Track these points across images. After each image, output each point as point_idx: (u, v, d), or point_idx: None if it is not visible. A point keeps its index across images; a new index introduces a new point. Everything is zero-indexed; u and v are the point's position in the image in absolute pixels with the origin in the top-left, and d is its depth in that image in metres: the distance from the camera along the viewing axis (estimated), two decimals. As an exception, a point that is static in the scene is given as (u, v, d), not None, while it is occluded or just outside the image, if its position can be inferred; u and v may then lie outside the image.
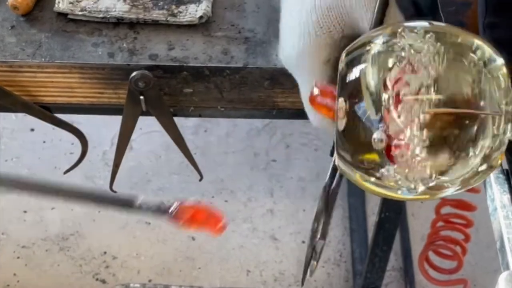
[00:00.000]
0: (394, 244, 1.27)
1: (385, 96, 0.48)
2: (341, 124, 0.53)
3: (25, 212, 1.65)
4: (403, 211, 1.55)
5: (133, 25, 0.87)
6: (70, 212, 1.64)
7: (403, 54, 0.48)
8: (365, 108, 0.50)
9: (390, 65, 0.48)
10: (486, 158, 0.48)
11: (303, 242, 1.60)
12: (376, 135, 0.49)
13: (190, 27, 0.87)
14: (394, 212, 1.15)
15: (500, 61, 0.47)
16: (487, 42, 0.48)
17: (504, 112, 0.46)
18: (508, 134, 0.48)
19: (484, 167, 0.49)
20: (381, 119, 0.49)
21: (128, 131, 0.89)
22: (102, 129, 1.68)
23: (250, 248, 1.61)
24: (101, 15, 0.87)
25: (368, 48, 0.52)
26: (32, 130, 1.75)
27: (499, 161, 0.49)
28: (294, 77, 0.68)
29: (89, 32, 0.87)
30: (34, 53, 0.85)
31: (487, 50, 0.47)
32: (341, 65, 0.55)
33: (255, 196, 1.69)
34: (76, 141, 0.94)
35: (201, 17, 0.87)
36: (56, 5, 0.88)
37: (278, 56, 0.69)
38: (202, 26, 0.87)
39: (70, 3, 0.87)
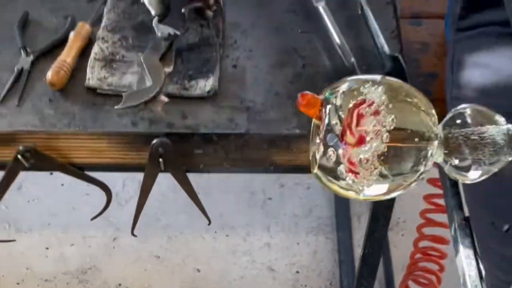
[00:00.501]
0: (378, 273, 1.38)
1: (345, 126, 0.60)
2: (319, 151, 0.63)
3: (47, 248, 1.73)
4: (385, 243, 1.66)
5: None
6: (88, 248, 1.72)
7: (361, 96, 0.59)
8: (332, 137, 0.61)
9: (350, 104, 0.60)
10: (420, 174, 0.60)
11: (297, 272, 1.71)
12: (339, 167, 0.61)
13: (200, 99, 0.98)
14: (376, 247, 1.25)
15: (430, 106, 0.59)
16: (422, 93, 0.61)
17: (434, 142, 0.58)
18: (437, 158, 0.60)
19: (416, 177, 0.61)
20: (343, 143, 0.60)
21: (148, 187, 1.00)
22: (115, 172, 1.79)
23: (250, 279, 1.69)
24: (125, 89, 0.98)
25: (336, 93, 0.61)
26: (51, 173, 1.85)
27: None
28: None
29: (115, 105, 0.98)
30: (69, 123, 0.96)
31: (423, 97, 0.59)
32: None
33: (253, 231, 1.76)
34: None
35: (209, 91, 0.98)
36: (86, 81, 0.99)
37: None
38: (211, 98, 0.99)
39: (99, 79, 0.99)
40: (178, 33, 1.02)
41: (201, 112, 0.98)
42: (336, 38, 1.05)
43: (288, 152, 0.99)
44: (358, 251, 1.64)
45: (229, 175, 1.77)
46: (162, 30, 1.02)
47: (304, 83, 1.02)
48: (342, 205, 1.76)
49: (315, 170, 0.60)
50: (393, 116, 0.57)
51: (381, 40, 1.03)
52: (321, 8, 1.09)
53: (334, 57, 1.04)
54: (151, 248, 1.73)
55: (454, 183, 1.03)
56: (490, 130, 0.57)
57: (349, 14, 1.11)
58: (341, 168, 0.60)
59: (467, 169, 0.58)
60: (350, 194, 0.60)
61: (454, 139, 0.57)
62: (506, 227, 0.79)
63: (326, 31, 1.07)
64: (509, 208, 0.80)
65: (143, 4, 1.07)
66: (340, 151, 0.59)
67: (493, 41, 0.85)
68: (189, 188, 1.02)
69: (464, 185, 0.92)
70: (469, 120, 0.58)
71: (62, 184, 1.82)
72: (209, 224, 1.08)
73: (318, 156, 0.60)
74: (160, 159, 0.96)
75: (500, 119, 0.58)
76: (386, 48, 1.02)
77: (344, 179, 0.59)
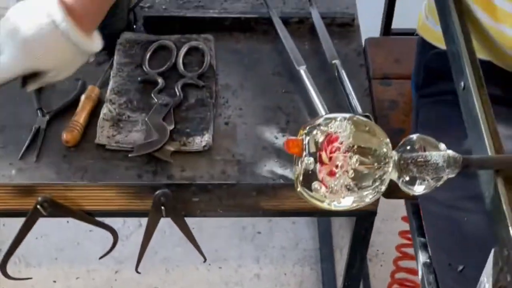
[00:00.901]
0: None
1: (319, 152, 0.72)
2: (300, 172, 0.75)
3: (54, 282, 1.80)
4: (365, 273, 1.75)
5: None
6: (92, 280, 1.80)
7: (333, 130, 0.72)
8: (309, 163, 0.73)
9: (321, 138, 0.72)
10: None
11: (286, 301, 1.80)
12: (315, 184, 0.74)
13: (197, 153, 1.08)
14: (355, 280, 1.36)
15: (385, 136, 0.72)
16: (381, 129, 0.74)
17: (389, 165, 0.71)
18: (392, 175, 0.72)
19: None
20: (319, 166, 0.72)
21: (151, 231, 1.10)
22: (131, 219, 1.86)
23: (242, 308, 1.77)
24: (130, 146, 1.09)
25: (315, 129, 0.74)
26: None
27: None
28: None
29: (122, 159, 1.07)
30: (82, 176, 1.06)
31: (379, 130, 0.72)
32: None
33: (244, 263, 1.82)
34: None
35: (205, 146, 1.08)
36: (97, 139, 1.08)
37: None
38: (206, 152, 1.08)
39: (107, 137, 1.09)
40: (173, 101, 1.13)
41: (197, 165, 1.08)
42: (315, 97, 1.16)
43: (275, 199, 1.09)
44: (340, 281, 1.72)
45: (201, 219, 1.85)
46: (161, 99, 1.13)
47: (288, 137, 1.12)
48: (325, 239, 1.86)
49: (299, 188, 0.73)
50: (355, 137, 0.70)
51: (355, 100, 1.14)
52: (302, 71, 1.20)
53: (314, 114, 1.15)
54: (150, 280, 1.80)
55: (420, 225, 1.14)
56: (433, 155, 0.69)
57: (327, 77, 1.21)
58: (317, 186, 0.73)
59: (414, 184, 0.71)
60: (324, 206, 0.73)
61: (404, 161, 0.70)
62: (460, 267, 0.90)
63: (306, 91, 1.18)
64: (462, 251, 0.91)
65: (145, 68, 1.19)
66: (318, 173, 0.72)
67: (449, 108, 0.97)
68: (187, 230, 1.12)
69: (427, 229, 1.03)
70: (416, 147, 0.70)
71: (67, 221, 1.89)
72: (204, 261, 1.18)
73: (301, 178, 0.73)
74: (162, 207, 1.06)
75: (441, 146, 0.70)
76: (359, 108, 1.13)
77: (320, 193, 0.72)
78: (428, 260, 1.07)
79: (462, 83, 0.82)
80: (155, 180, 1.06)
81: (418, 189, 0.71)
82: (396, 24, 1.48)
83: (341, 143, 0.71)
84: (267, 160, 1.09)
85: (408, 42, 1.33)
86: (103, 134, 1.09)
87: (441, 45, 1.01)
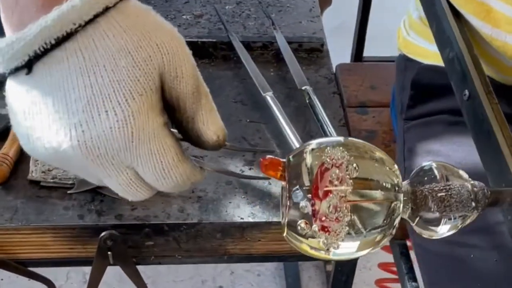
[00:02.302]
0: None
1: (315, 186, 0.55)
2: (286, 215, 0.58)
3: None
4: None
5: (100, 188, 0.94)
6: None
7: (327, 158, 0.55)
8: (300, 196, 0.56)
9: (316, 165, 0.55)
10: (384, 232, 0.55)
11: None
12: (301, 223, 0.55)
13: (150, 189, 0.93)
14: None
15: (392, 162, 0.55)
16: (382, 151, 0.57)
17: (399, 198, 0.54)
18: (404, 213, 0.56)
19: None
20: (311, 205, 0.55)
21: (96, 282, 0.93)
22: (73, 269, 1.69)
23: None
24: (70, 182, 0.92)
25: (303, 155, 0.56)
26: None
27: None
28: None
29: (60, 197, 0.91)
30: (11, 218, 0.89)
31: (384, 155, 0.55)
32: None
33: None
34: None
35: (159, 181, 0.93)
36: (30, 174, 0.92)
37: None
38: (161, 188, 0.94)
39: (43, 172, 0.93)
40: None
41: (150, 202, 0.92)
42: (285, 126, 1.02)
43: (242, 241, 0.94)
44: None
45: (178, 264, 1.70)
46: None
47: (256, 171, 0.98)
48: (293, 292, 1.70)
49: (285, 233, 0.56)
50: (355, 164, 0.53)
51: (330, 128, 1.01)
52: (269, 97, 1.06)
53: (284, 144, 1.01)
54: None
55: (410, 268, 0.98)
56: (456, 185, 0.53)
57: (297, 104, 1.09)
58: (314, 228, 0.55)
59: (434, 224, 0.55)
60: (320, 254, 0.55)
61: (420, 194, 0.54)
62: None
63: (274, 120, 1.04)
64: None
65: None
66: (309, 209, 0.54)
67: (442, 129, 0.84)
68: (139, 280, 0.95)
69: (424, 272, 0.87)
70: (436, 175, 0.54)
71: (2, 279, 1.71)
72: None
73: (285, 220, 0.55)
74: (109, 252, 0.89)
75: (464, 175, 0.55)
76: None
77: (315, 237, 0.54)
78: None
79: (466, 92, 0.69)
80: (100, 221, 0.89)
81: (442, 230, 0.55)
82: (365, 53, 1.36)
83: (336, 165, 0.54)
84: (232, 196, 0.94)
85: (383, 68, 1.21)
86: (37, 168, 0.93)
87: (426, 60, 0.88)
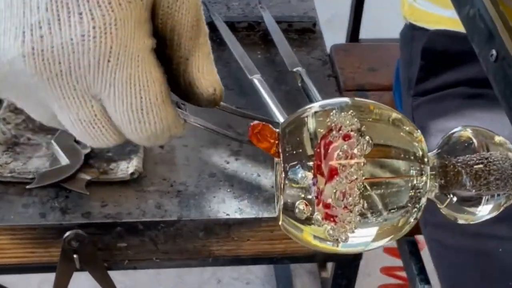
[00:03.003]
0: None
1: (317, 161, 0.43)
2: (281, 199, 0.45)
3: None
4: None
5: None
6: None
7: (332, 126, 0.43)
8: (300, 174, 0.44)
9: (320, 132, 0.43)
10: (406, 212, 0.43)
11: None
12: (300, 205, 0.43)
13: (122, 183, 0.82)
14: None
15: (415, 128, 0.44)
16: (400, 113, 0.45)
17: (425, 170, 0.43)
18: (430, 191, 0.44)
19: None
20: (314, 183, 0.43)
21: (61, 290, 0.81)
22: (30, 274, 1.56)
23: None
24: (30, 176, 0.81)
25: (305, 120, 0.44)
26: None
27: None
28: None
29: (19, 193, 0.80)
30: (-38, 218, 0.78)
31: (403, 117, 0.44)
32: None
33: None
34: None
35: (132, 173, 0.82)
36: (-16, 168, 0.81)
37: None
38: (134, 181, 0.82)
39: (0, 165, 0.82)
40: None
41: (123, 198, 0.81)
42: (275, 111, 0.91)
43: (228, 241, 0.82)
44: None
45: (158, 269, 1.58)
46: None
47: (243, 162, 0.87)
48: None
49: (280, 221, 0.43)
50: (367, 137, 0.41)
51: (326, 111, 0.90)
52: (256, 80, 0.95)
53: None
54: None
55: (421, 269, 0.87)
56: (497, 156, 0.42)
57: (288, 88, 0.99)
58: (316, 216, 0.43)
59: (472, 204, 0.43)
60: (326, 246, 0.43)
61: (452, 167, 0.42)
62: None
63: (263, 104, 0.93)
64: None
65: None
66: (312, 192, 0.42)
67: (459, 104, 0.73)
68: (111, 287, 0.83)
69: (440, 272, 0.76)
70: (474, 142, 0.43)
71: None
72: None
73: (281, 202, 0.43)
74: (75, 255, 0.78)
75: (507, 143, 0.44)
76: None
77: (319, 226, 0.42)
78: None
79: (494, 52, 0.58)
80: (64, 220, 0.78)
81: (483, 211, 0.43)
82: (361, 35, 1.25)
83: (344, 137, 0.42)
84: (216, 190, 0.83)
85: (383, 48, 1.10)
86: (-7, 161, 0.81)
87: (438, 26, 0.77)
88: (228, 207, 0.81)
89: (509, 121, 0.56)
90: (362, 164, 0.42)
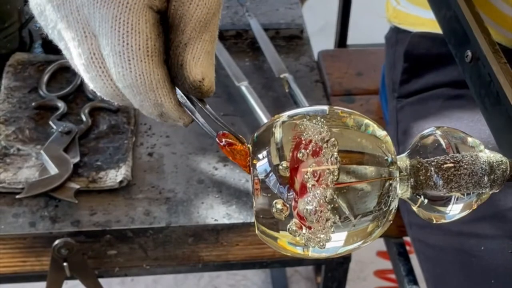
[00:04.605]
0: None
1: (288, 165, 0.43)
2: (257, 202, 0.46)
3: None
4: None
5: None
6: None
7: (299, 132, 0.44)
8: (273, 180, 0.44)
9: (287, 143, 0.44)
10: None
11: None
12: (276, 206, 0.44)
13: (111, 191, 0.82)
14: None
15: (383, 132, 0.44)
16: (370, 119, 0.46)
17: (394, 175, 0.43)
18: (403, 193, 0.45)
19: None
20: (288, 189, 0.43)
21: (52, 300, 0.82)
22: (25, 286, 1.56)
23: None
24: (20, 186, 0.82)
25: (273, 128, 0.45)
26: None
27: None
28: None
29: (9, 203, 0.81)
30: (-48, 228, 0.78)
31: (372, 124, 0.45)
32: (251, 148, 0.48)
33: None
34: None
35: (121, 181, 0.82)
36: (-25, 179, 0.82)
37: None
38: (123, 189, 0.83)
39: (-11, 176, 0.82)
40: (78, 128, 0.87)
41: (112, 206, 0.82)
42: (262, 117, 0.92)
43: (217, 246, 0.83)
44: None
45: (155, 279, 1.58)
46: (61, 126, 0.87)
47: (231, 168, 0.87)
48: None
49: (257, 229, 0.44)
50: (335, 153, 0.42)
51: (313, 116, 0.91)
52: (244, 87, 0.97)
53: (262, 138, 0.91)
54: None
55: (410, 270, 0.87)
56: (467, 156, 0.43)
57: (275, 95, 0.99)
58: (291, 225, 0.44)
59: (443, 204, 0.44)
60: (297, 251, 0.44)
61: (421, 167, 0.43)
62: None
63: (250, 111, 0.94)
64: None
65: (42, 91, 0.93)
66: (287, 200, 0.43)
67: (440, 105, 0.74)
68: (103, 296, 0.83)
69: (425, 271, 0.76)
70: (442, 143, 0.44)
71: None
72: None
73: (255, 209, 0.44)
74: (65, 263, 0.78)
75: (476, 142, 0.44)
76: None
77: (295, 235, 0.43)
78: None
79: (469, 53, 0.59)
80: (54, 229, 0.79)
81: (454, 211, 0.44)
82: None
83: (313, 153, 0.42)
84: (205, 196, 0.84)
85: (370, 53, 1.11)
86: (-17, 172, 0.82)
87: (420, 28, 0.79)
88: (216, 212, 0.82)
89: (483, 116, 0.57)
90: (332, 182, 0.42)
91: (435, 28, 0.70)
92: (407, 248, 0.92)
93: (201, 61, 0.44)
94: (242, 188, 0.86)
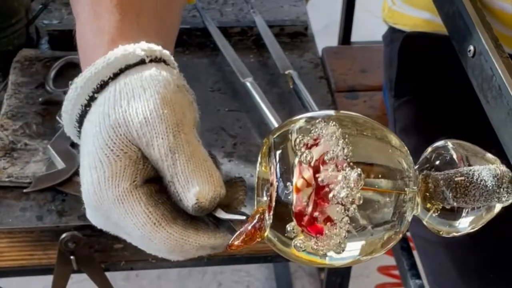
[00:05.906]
0: None
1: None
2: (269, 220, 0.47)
3: None
4: None
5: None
6: None
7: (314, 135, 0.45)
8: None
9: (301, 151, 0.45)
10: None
11: None
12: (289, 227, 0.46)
13: (117, 185, 0.84)
14: None
15: (398, 141, 0.45)
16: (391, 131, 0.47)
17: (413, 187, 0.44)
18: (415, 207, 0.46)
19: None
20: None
21: (59, 292, 0.83)
22: (33, 280, 1.57)
23: None
24: (28, 180, 0.83)
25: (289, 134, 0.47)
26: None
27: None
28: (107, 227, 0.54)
29: (17, 197, 0.82)
30: (-39, 222, 0.79)
31: (386, 130, 0.45)
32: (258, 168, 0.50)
33: None
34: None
35: (128, 175, 0.83)
36: (-18, 173, 0.83)
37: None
38: (129, 183, 0.84)
39: (-3, 170, 0.83)
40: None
41: (119, 200, 0.82)
42: (267, 113, 0.93)
43: (222, 240, 0.84)
44: None
45: (159, 274, 1.59)
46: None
47: (236, 163, 0.88)
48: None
49: (267, 232, 0.45)
50: (358, 171, 0.42)
51: (317, 113, 0.91)
52: (249, 83, 0.97)
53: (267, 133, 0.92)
54: None
55: (413, 264, 0.88)
56: (478, 169, 0.43)
57: (280, 91, 1.00)
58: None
59: (453, 217, 0.44)
60: (316, 259, 0.45)
61: (434, 183, 0.44)
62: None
63: (255, 107, 0.95)
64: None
65: (49, 87, 0.94)
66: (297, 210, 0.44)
67: (437, 104, 0.74)
68: (109, 289, 0.84)
69: (425, 266, 0.77)
70: (454, 156, 0.44)
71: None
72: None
73: (268, 216, 0.45)
74: (72, 257, 0.79)
75: (489, 155, 0.45)
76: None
77: (306, 243, 0.44)
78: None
79: (471, 47, 0.60)
80: (61, 222, 0.79)
81: (463, 224, 0.45)
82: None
83: (332, 158, 0.43)
84: (210, 191, 0.84)
85: (374, 50, 1.12)
86: (-9, 167, 0.83)
87: (414, 28, 0.79)
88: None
89: (486, 114, 0.58)
90: (355, 206, 0.43)
91: (428, 27, 0.71)
92: (410, 243, 0.93)
93: (190, 184, 0.47)
94: (247, 183, 0.86)
